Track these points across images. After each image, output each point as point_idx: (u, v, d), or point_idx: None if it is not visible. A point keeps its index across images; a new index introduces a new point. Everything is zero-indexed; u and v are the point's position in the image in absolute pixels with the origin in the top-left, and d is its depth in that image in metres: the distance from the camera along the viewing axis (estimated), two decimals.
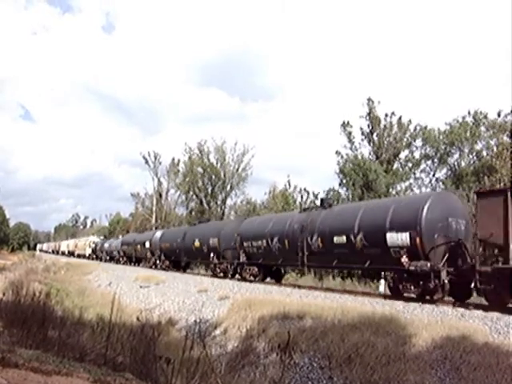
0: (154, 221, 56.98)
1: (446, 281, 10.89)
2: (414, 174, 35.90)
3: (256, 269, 18.45)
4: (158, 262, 28.04)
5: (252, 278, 18.44)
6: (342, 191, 35.82)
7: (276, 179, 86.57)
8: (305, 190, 55.59)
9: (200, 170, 50.37)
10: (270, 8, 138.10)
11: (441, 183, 35.47)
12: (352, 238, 13.15)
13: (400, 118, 36.02)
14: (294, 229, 15.85)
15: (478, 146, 33.33)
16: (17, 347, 4.37)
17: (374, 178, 32.76)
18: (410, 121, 36.02)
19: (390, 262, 12.13)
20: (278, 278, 19.23)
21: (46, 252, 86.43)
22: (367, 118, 36.38)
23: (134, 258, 33.84)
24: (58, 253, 69.92)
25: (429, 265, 11.03)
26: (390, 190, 34.10)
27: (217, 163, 50.91)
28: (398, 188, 35.10)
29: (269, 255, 17.27)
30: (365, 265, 13.05)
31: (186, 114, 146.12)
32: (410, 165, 36.13)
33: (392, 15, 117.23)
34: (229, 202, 52.30)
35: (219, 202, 51.19)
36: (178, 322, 13.68)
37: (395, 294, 12.60)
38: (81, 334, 6.91)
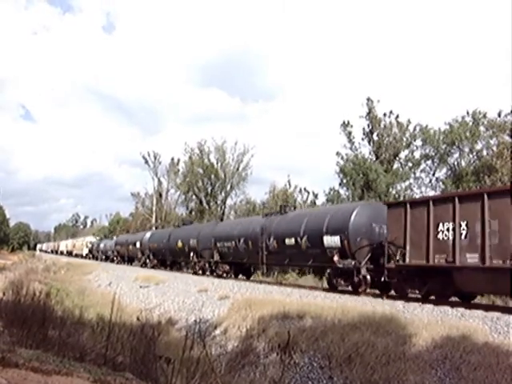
0: (154, 220, 57.00)
1: (368, 276, 13.22)
2: (414, 173, 35.89)
3: (227, 266, 20.82)
4: (147, 261, 30.20)
5: (224, 274, 20.76)
6: (342, 191, 35.83)
7: (276, 179, 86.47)
8: (305, 189, 55.67)
9: (200, 169, 50.38)
10: (270, 8, 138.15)
11: (441, 183, 35.48)
12: (299, 240, 15.51)
13: (397, 116, 36.04)
14: (256, 231, 18.10)
15: (478, 146, 33.33)
16: (17, 347, 4.37)
17: (374, 178, 32.76)
18: (409, 120, 36.00)
19: (327, 260, 14.43)
20: (247, 275, 21.32)
21: (46, 252, 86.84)
22: (367, 117, 36.38)
23: (126, 258, 35.94)
24: (56, 252, 72.63)
25: (353, 262, 13.46)
26: (390, 189, 34.09)
27: (217, 163, 50.93)
28: (398, 188, 35.09)
29: (237, 254, 19.71)
30: (308, 263, 15.77)
31: (186, 114, 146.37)
32: (409, 164, 36.12)
33: (392, 15, 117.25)
34: (229, 201, 52.32)
35: (219, 202, 51.19)
36: (178, 321, 13.69)
37: (331, 287, 14.91)
38: (81, 334, 6.91)
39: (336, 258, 13.97)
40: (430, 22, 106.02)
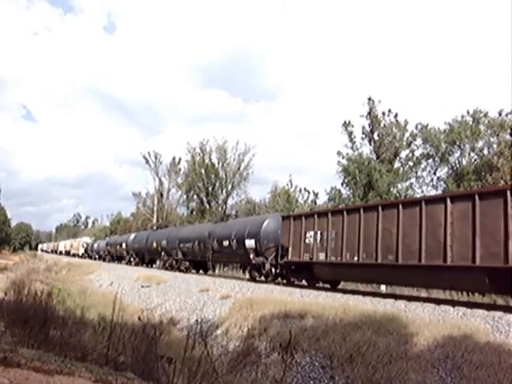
0: (155, 220, 57.01)
1: (273, 269, 17.55)
2: (416, 173, 35.84)
3: (188, 263, 25.37)
4: (131, 259, 34.65)
5: (185, 269, 25.23)
6: (344, 190, 35.82)
7: (277, 179, 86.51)
8: (305, 189, 55.67)
9: (201, 169, 50.39)
10: (270, 8, 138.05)
11: (442, 182, 35.42)
12: (231, 243, 20.33)
13: (396, 115, 35.99)
14: (205, 235, 22.99)
15: (479, 144, 33.29)
16: (19, 347, 4.37)
17: (377, 178, 32.74)
18: (406, 121, 35.91)
19: (247, 258, 19.01)
20: (205, 270, 25.60)
21: (47, 252, 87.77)
22: (368, 117, 36.33)
23: (115, 257, 40.07)
24: (56, 252, 74.41)
25: (262, 259, 18.05)
26: (392, 189, 34.06)
27: (218, 163, 50.92)
28: (399, 187, 35.05)
29: (193, 253, 24.44)
30: (237, 259, 21.85)
31: (187, 114, 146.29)
32: (410, 164, 36.08)
33: (392, 14, 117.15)
34: (230, 201, 52.33)
35: (220, 202, 51.19)
36: (180, 321, 13.70)
37: (252, 278, 19.09)
38: (82, 334, 6.92)
39: (252, 256, 18.51)
40: (431, 22, 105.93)
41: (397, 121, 35.78)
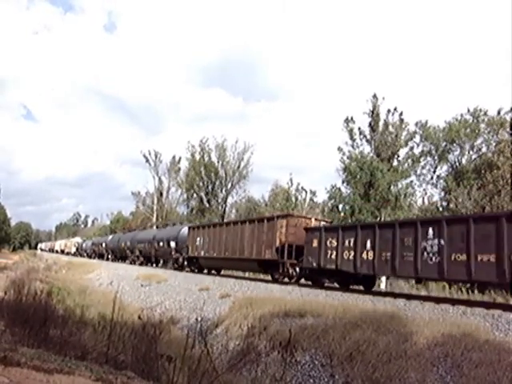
0: (154, 219, 57.02)
1: (185, 262, 25.02)
2: (416, 171, 35.87)
3: (142, 258, 33.42)
4: (108, 256, 42.87)
5: (141, 264, 32.74)
6: (345, 189, 35.82)
7: (278, 178, 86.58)
8: (302, 188, 55.65)
9: (201, 168, 50.41)
10: (270, 7, 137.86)
11: (442, 181, 35.45)
12: (164, 243, 28.75)
13: (401, 113, 35.92)
14: (151, 238, 31.63)
15: (478, 143, 33.32)
16: (19, 346, 4.37)
17: (379, 177, 32.73)
18: (402, 120, 35.80)
19: (170, 254, 27.47)
20: (151, 264, 32.16)
21: (44, 251, 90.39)
22: (370, 114, 36.26)
23: (98, 254, 47.73)
24: (53, 251, 79.69)
25: (178, 255, 26.03)
26: (392, 187, 34.08)
27: (218, 161, 50.92)
28: (400, 186, 35.07)
29: (145, 251, 32.84)
30: (168, 256, 28.29)
31: (187, 113, 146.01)
32: (410, 162, 36.09)
33: (392, 14, 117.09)
34: (230, 200, 52.35)
35: (220, 201, 51.20)
36: (180, 320, 13.70)
37: (175, 268, 26.19)
38: (82, 333, 6.93)
39: (173, 253, 26.72)
40: (431, 21, 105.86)
41: (401, 120, 35.73)
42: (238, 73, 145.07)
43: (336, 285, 15.36)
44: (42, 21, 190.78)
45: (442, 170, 35.68)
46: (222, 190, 51.02)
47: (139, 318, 6.07)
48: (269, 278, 19.04)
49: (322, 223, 18.15)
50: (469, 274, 10.30)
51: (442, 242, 11.00)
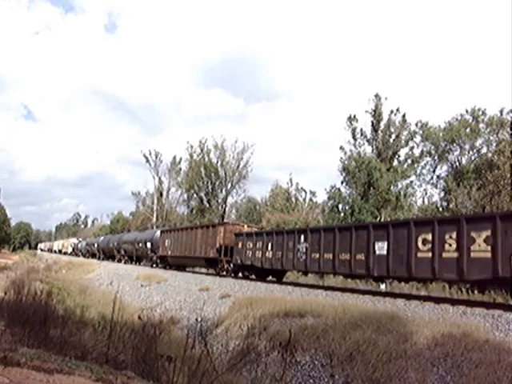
0: (154, 219, 57.04)
1: (158, 260, 29.83)
2: (416, 171, 35.86)
3: (127, 257, 37.83)
4: (101, 256, 45.98)
5: (125, 262, 37.26)
6: (344, 189, 35.81)
7: (278, 178, 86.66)
8: (302, 188, 55.68)
9: (200, 168, 50.43)
10: (271, 8, 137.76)
11: (442, 181, 35.44)
12: (142, 244, 33.68)
13: (404, 115, 35.90)
14: (133, 239, 36.60)
15: (478, 143, 33.31)
16: (19, 346, 4.38)
17: (377, 177, 32.71)
18: (404, 119, 35.83)
19: (147, 253, 32.66)
20: (134, 262, 36.20)
21: (43, 250, 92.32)
22: (372, 114, 36.21)
23: (91, 254, 51.61)
24: (51, 251, 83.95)
25: (153, 254, 30.79)
26: (392, 187, 34.08)
27: (217, 161, 50.93)
28: (400, 186, 35.07)
29: (128, 251, 37.22)
30: (145, 255, 33.14)
31: (189, 114, 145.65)
32: (410, 162, 36.08)
33: (393, 14, 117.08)
34: (230, 200, 52.37)
35: (220, 201, 51.21)
36: (180, 320, 13.70)
37: (151, 265, 30.88)
38: (82, 333, 6.93)
39: (149, 252, 31.80)
40: (432, 21, 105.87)
41: (404, 120, 35.71)
42: (240, 73, 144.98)
43: (258, 276, 18.87)
44: (42, 21, 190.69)
45: (442, 170, 35.71)
46: (221, 190, 51.04)
47: (139, 318, 6.08)
48: (269, 278, 19.19)
49: (254, 229, 22.18)
50: (333, 268, 14.52)
51: (307, 245, 15.64)
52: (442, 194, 35.56)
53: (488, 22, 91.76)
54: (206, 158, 50.97)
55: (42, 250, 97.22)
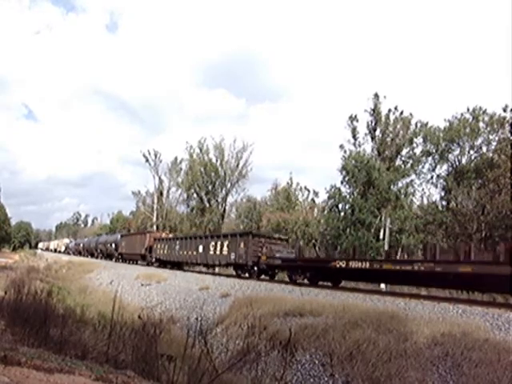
0: (155, 219, 57.04)
1: (120, 256, 39.19)
2: (415, 171, 35.86)
3: (101, 255, 44.83)
4: (84, 253, 53.94)
5: (101, 258, 44.84)
6: (344, 189, 35.83)
7: (277, 178, 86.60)
8: (305, 187, 55.67)
9: (200, 167, 50.41)
10: (272, 8, 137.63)
11: (442, 180, 35.43)
12: (112, 245, 41.15)
13: (402, 112, 35.90)
14: (104, 241, 45.44)
15: (478, 142, 33.28)
16: (19, 345, 4.38)
17: (376, 177, 32.71)
18: (411, 114, 35.92)
19: (113, 252, 40.73)
20: (108, 258, 42.47)
21: (42, 250, 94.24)
22: (371, 113, 36.22)
23: (77, 252, 59.38)
24: (47, 249, 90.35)
25: (117, 253, 39.52)
26: (392, 187, 34.07)
27: (216, 161, 50.91)
28: (400, 185, 35.07)
29: (103, 250, 44.72)
30: (114, 254, 40.34)
31: (190, 114, 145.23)
32: (410, 161, 36.08)
33: (393, 13, 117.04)
34: (230, 199, 52.34)
35: (220, 200, 51.19)
36: (180, 319, 13.70)
37: (117, 261, 38.88)
38: (82, 332, 6.93)
39: (113, 251, 39.61)
40: (432, 21, 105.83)
41: (401, 118, 35.72)
42: (241, 73, 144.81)
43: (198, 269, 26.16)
44: (43, 21, 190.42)
45: (442, 169, 35.72)
46: (221, 190, 51.02)
47: (139, 317, 6.08)
48: (268, 278, 19.19)
49: (170, 235, 33.33)
50: (187, 259, 25.84)
51: (179, 246, 26.82)
52: (442, 193, 35.60)
53: (488, 22, 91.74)
54: (206, 158, 50.96)
55: (41, 249, 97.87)
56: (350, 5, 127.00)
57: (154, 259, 30.23)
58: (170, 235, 33.04)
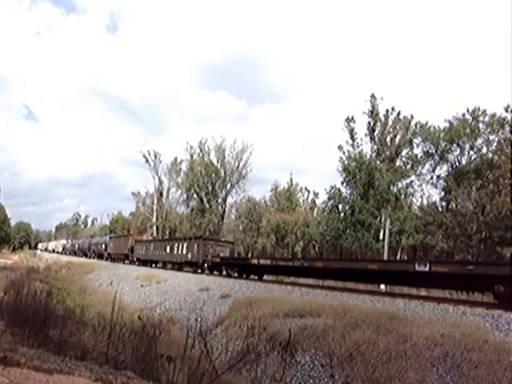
0: (154, 219, 57.03)
1: (109, 256, 43.49)
2: (415, 171, 35.87)
3: (94, 255, 49.18)
4: (79, 253, 58.57)
5: (93, 257, 48.95)
6: (344, 189, 35.83)
7: (277, 178, 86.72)
8: (306, 188, 55.68)
9: (200, 168, 50.44)
10: (272, 9, 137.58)
11: (442, 181, 35.42)
12: (103, 246, 46.95)
13: (399, 113, 35.91)
14: (95, 242, 52.29)
15: (478, 142, 33.28)
16: (19, 346, 4.37)
17: (378, 177, 32.71)
18: (411, 116, 35.96)
19: (103, 252, 46.04)
20: (99, 258, 46.29)
21: (41, 250, 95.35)
22: (369, 114, 36.25)
23: (73, 252, 64.30)
24: (46, 250, 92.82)
25: (106, 253, 44.31)
26: (392, 187, 34.07)
27: (217, 161, 50.94)
28: (400, 185, 35.06)
29: (95, 250, 49.87)
30: (104, 253, 45.93)
31: (191, 114, 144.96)
32: (410, 162, 36.09)
33: (393, 13, 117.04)
34: (230, 200, 52.38)
35: (220, 201, 51.21)
36: (180, 320, 13.69)
37: (107, 259, 43.31)
38: (82, 333, 6.93)
39: (103, 251, 44.93)
40: (432, 20, 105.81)
41: (399, 119, 35.74)
42: (241, 74, 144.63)
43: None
44: (44, 21, 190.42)
45: (442, 170, 35.72)
46: (221, 190, 51.03)
47: (139, 318, 6.08)
48: (268, 278, 19.23)
49: (150, 238, 41.77)
50: (158, 257, 31.13)
51: (152, 247, 32.86)
52: (442, 193, 35.60)
53: (488, 22, 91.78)
54: (206, 158, 50.99)
55: (40, 250, 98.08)
56: (350, 5, 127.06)
57: (135, 258, 35.04)
58: (150, 237, 40.75)
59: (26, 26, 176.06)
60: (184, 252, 25.93)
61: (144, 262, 33.04)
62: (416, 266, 12.28)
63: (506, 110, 31.57)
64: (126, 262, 37.01)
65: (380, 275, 14.23)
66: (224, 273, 21.87)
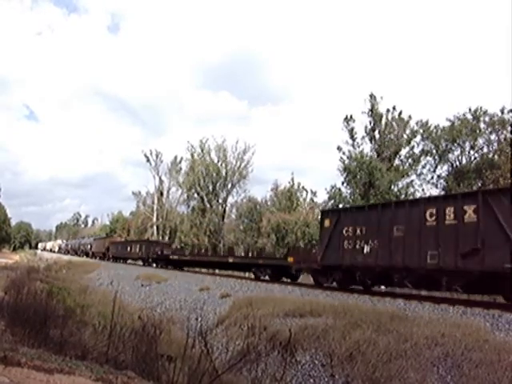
0: (155, 219, 57.03)
1: (100, 256, 48.82)
2: (416, 170, 35.84)
3: (83, 253, 55.13)
4: (71, 252, 64.68)
5: (83, 256, 54.55)
6: (345, 189, 35.78)
7: (278, 178, 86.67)
8: (303, 187, 55.61)
9: (201, 168, 50.44)
10: (272, 9, 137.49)
11: (442, 180, 35.39)
12: (90, 246, 54.19)
13: (400, 113, 35.87)
14: (84, 242, 59.54)
15: (479, 142, 33.25)
16: (19, 346, 4.38)
17: (378, 177, 32.66)
18: (409, 116, 35.92)
19: (89, 251, 53.71)
20: (88, 256, 52.07)
21: (41, 250, 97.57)
22: (369, 114, 36.21)
23: (68, 251, 69.49)
24: (45, 249, 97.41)
25: (94, 252, 51.02)
26: (392, 187, 34.03)
27: (218, 161, 50.93)
28: (400, 185, 35.02)
29: (84, 250, 55.90)
30: (89, 252, 54.60)
31: (191, 115, 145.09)
32: (410, 161, 36.06)
33: (393, 13, 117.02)
34: (230, 199, 52.37)
35: (220, 201, 51.19)
36: (180, 320, 13.69)
37: (92, 258, 50.37)
38: (82, 333, 6.93)
39: (89, 250, 52.67)
40: (432, 20, 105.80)
41: (400, 118, 35.70)
42: (243, 74, 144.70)
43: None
44: (45, 21, 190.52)
45: (443, 169, 35.69)
46: (222, 190, 51.02)
47: (139, 317, 6.08)
48: (267, 278, 19.34)
49: (123, 240, 49.64)
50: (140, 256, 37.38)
51: (138, 248, 36.93)
52: (443, 193, 35.57)
53: (488, 22, 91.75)
54: (208, 158, 51.00)
55: (40, 249, 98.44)
56: (350, 5, 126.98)
57: (110, 255, 43.21)
58: (123, 240, 50.41)
59: (27, 26, 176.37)
60: (137, 251, 36.41)
61: (115, 259, 41.68)
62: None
63: (502, 112, 31.59)
64: (121, 261, 41.35)
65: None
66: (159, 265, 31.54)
